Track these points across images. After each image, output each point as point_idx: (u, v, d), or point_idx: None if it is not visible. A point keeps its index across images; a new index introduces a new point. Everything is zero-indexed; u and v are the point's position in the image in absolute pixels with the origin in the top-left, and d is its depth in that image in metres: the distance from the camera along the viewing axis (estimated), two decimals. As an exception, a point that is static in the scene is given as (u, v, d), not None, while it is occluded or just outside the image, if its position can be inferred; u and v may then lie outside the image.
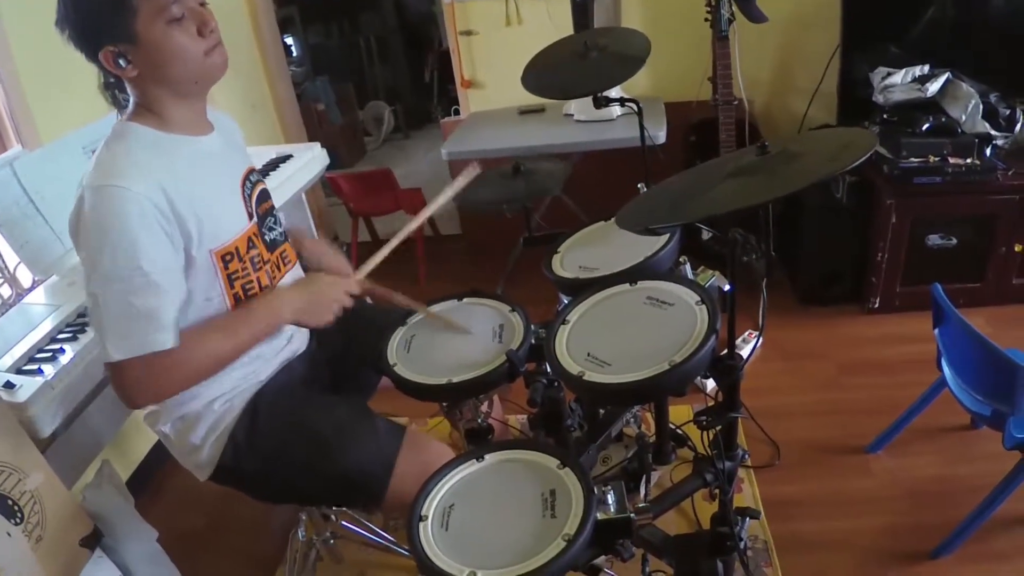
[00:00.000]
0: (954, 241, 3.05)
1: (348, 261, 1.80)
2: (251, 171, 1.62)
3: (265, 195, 1.65)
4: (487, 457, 1.29)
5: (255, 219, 1.56)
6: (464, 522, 1.19)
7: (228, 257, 1.46)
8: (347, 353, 1.80)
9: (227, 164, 1.55)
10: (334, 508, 2.11)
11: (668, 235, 1.53)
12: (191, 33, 1.35)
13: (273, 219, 1.66)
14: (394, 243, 1.66)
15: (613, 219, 1.71)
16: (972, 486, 2.20)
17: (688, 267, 1.57)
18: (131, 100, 1.42)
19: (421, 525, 1.19)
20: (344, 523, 2.17)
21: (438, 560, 1.12)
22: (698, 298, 1.29)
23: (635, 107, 2.00)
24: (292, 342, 1.71)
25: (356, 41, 7.11)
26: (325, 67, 6.72)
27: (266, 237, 1.60)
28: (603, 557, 1.23)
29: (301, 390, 1.65)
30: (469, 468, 1.29)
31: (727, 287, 1.40)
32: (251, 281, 1.53)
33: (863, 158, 0.95)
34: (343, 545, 2.25)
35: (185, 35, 1.34)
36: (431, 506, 1.23)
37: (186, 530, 2.46)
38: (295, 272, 1.71)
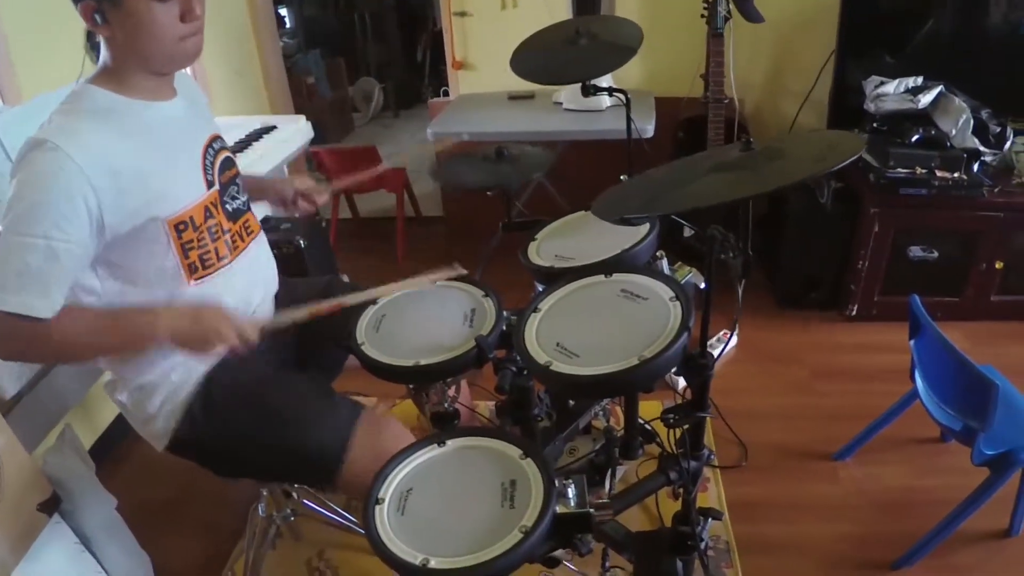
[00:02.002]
0: (936, 254, 3.05)
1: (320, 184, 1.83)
2: (214, 138, 1.59)
3: (229, 163, 1.62)
4: (449, 443, 1.27)
5: (216, 187, 1.53)
6: (421, 507, 1.16)
7: (182, 226, 1.43)
8: (312, 329, 1.77)
9: (187, 130, 1.51)
10: (295, 485, 2.08)
11: (647, 229, 1.50)
12: (173, 15, 1.32)
13: (236, 188, 1.62)
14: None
15: (593, 209, 1.69)
16: (937, 499, 2.20)
17: (665, 262, 1.54)
18: (100, 59, 1.40)
19: (377, 508, 1.17)
20: (305, 501, 2.15)
21: (392, 544, 1.10)
22: (673, 294, 1.26)
23: (623, 98, 1.97)
24: (256, 314, 1.67)
25: (351, 17, 7.02)
26: (318, 40, 6.65)
27: (228, 206, 1.57)
28: (562, 550, 1.21)
29: (261, 364, 1.62)
30: (430, 453, 1.26)
31: (703, 285, 1.38)
32: (208, 252, 1.49)
33: (848, 161, 0.93)
34: (303, 523, 2.24)
35: (166, 15, 1.31)
36: (388, 489, 1.20)
37: (147, 500, 2.43)
38: (258, 242, 1.68)
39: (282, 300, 1.78)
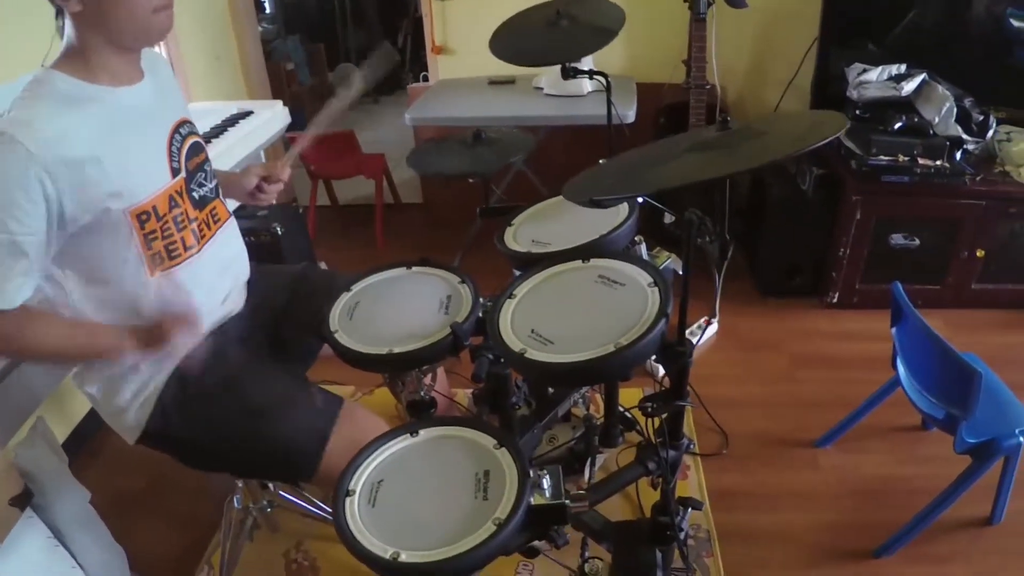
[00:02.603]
0: (917, 242, 3.05)
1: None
2: (183, 123, 1.54)
3: (197, 148, 1.57)
4: (422, 432, 1.24)
5: (182, 174, 1.49)
6: (392, 499, 1.13)
7: (144, 216, 1.38)
8: (286, 317, 1.73)
9: (153, 116, 1.46)
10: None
11: (626, 213, 1.47)
12: None
13: (204, 174, 1.58)
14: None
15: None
16: (919, 487, 2.20)
17: (644, 247, 1.51)
18: (64, 41, 1.35)
19: (348, 500, 1.14)
20: (282, 492, 2.12)
21: (362, 537, 1.07)
22: (651, 280, 1.23)
23: (603, 81, 1.94)
24: (227, 302, 1.63)
25: (331, 2, 6.94)
26: (297, 26, 6.56)
27: (194, 194, 1.52)
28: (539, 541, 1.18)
29: (234, 355, 1.58)
30: (402, 443, 1.23)
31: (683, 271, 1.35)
32: (174, 241, 1.45)
33: (830, 139, 0.90)
34: (281, 514, 2.20)
35: None
36: (359, 481, 1.17)
37: (123, 492, 2.39)
38: (227, 230, 1.65)
39: (255, 288, 1.74)
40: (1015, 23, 3.16)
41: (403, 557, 1.02)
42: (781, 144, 0.93)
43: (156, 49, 1.62)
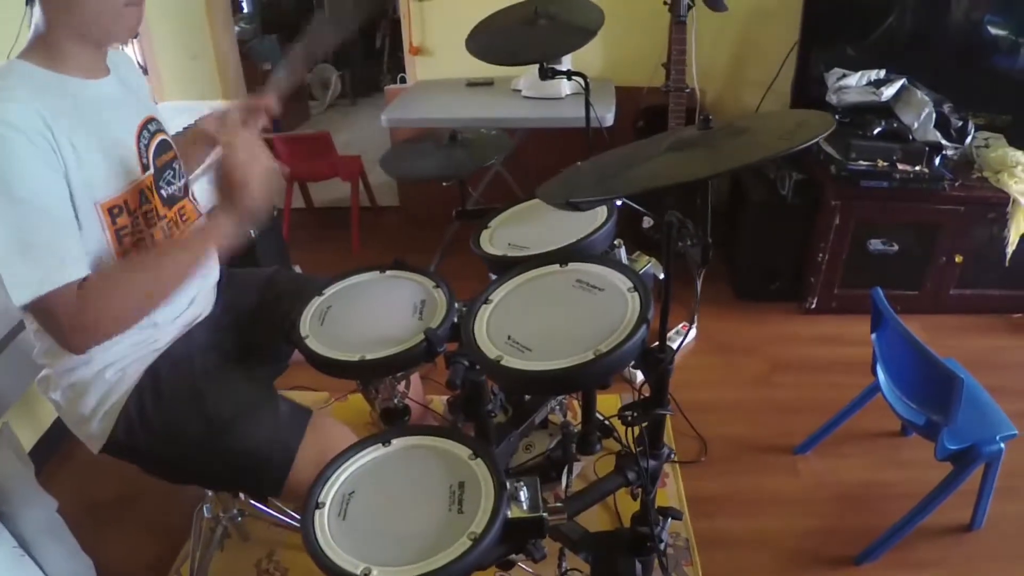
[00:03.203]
0: (895, 247, 3.05)
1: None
2: (149, 120, 1.50)
3: (165, 146, 1.54)
4: (395, 442, 1.19)
5: (151, 171, 1.45)
6: (363, 512, 1.08)
7: (116, 211, 1.35)
8: (256, 321, 1.68)
9: (121, 111, 1.43)
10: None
11: (604, 216, 1.44)
12: None
13: (173, 172, 1.54)
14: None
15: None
16: (899, 493, 2.20)
17: (623, 251, 1.48)
18: (32, 30, 1.31)
19: (317, 513, 1.09)
20: (253, 502, 2.07)
21: (331, 552, 1.02)
22: (631, 284, 1.20)
23: (582, 82, 1.91)
24: (194, 305, 1.58)
25: (309, 2, 6.88)
26: (275, 26, 6.49)
27: (163, 191, 1.48)
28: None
29: (201, 362, 1.53)
30: (374, 453, 1.18)
31: (663, 275, 1.32)
32: (144, 239, 1.42)
33: (818, 138, 0.87)
34: (252, 523, 2.16)
35: None
36: (329, 493, 1.12)
37: (92, 501, 2.33)
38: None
39: (223, 291, 1.69)
40: (992, 30, 3.18)
41: (375, 573, 0.97)
42: (766, 143, 0.90)
43: (125, 49, 1.57)
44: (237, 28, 5.11)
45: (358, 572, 0.98)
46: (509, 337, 1.17)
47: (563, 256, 1.33)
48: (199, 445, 1.44)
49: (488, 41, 1.90)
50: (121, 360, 1.45)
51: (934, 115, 2.93)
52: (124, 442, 1.46)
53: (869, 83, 3.08)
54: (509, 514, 1.05)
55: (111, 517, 2.30)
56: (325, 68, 6.78)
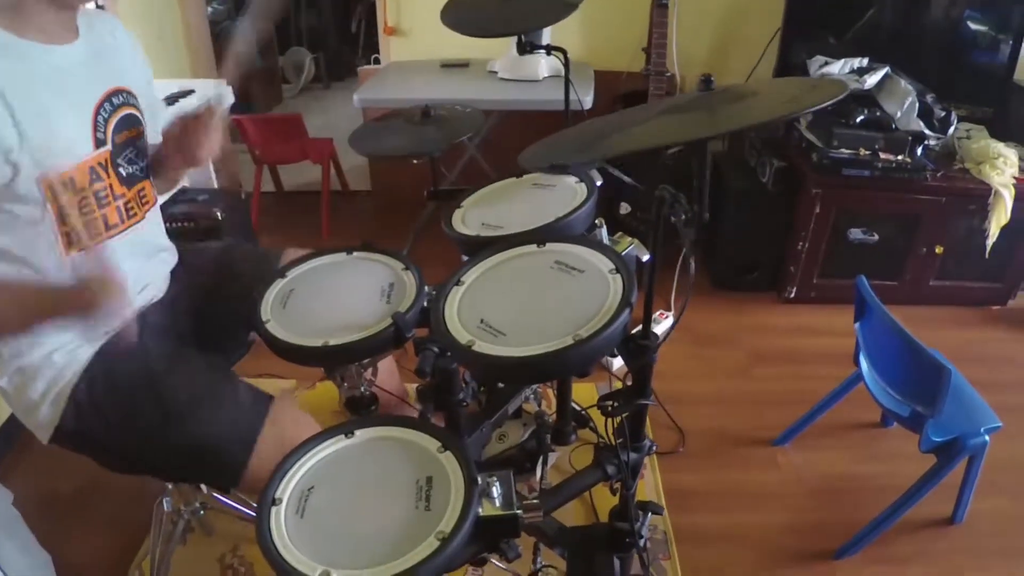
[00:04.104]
0: (876, 237, 3.02)
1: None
2: (117, 92, 1.40)
3: (131, 121, 1.43)
4: (358, 433, 1.11)
5: (108, 147, 1.35)
6: (323, 509, 1.00)
7: (59, 188, 1.26)
8: (214, 304, 1.59)
9: (82, 80, 1.33)
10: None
11: (585, 194, 1.36)
12: None
13: (135, 151, 1.44)
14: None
15: (524, 176, 1.54)
16: (879, 485, 2.17)
17: (604, 231, 1.40)
18: None
19: (273, 510, 1.01)
20: (216, 495, 2.00)
21: (287, 553, 0.94)
22: (613, 266, 1.12)
23: (561, 57, 1.83)
24: (147, 291, 1.49)
25: (282, -18, 6.74)
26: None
27: (121, 170, 1.39)
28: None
29: (155, 346, 1.44)
30: (335, 445, 1.10)
31: (646, 257, 1.25)
32: (95, 219, 1.33)
33: (829, 103, 0.80)
34: (215, 517, 2.07)
35: None
36: (287, 488, 1.04)
37: (51, 493, 2.24)
38: (155, 211, 1.52)
39: (179, 274, 1.60)
40: (972, 25, 3.16)
41: (333, 576, 0.90)
42: (771, 107, 0.83)
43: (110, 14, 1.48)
44: (210, 9, 4.99)
45: (316, 575, 0.90)
46: (482, 321, 1.08)
47: (540, 236, 1.25)
48: (151, 434, 1.36)
49: (464, 13, 1.82)
50: (70, 343, 1.37)
51: (917, 104, 2.90)
52: (74, 430, 1.37)
53: (852, 71, 3.04)
54: (480, 512, 0.98)
55: (70, 511, 2.21)
56: (299, 51, 6.65)
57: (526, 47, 1.77)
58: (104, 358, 1.39)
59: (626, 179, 0.93)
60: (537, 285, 1.16)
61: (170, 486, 1.88)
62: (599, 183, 1.45)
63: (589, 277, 1.13)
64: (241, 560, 2.04)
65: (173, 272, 1.60)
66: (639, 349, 1.10)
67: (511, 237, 1.29)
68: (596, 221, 1.35)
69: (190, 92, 2.86)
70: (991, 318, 3.14)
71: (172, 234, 1.66)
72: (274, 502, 1.02)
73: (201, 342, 1.57)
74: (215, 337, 1.60)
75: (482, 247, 1.27)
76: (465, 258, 1.28)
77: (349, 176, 4.26)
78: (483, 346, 1.03)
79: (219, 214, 2.79)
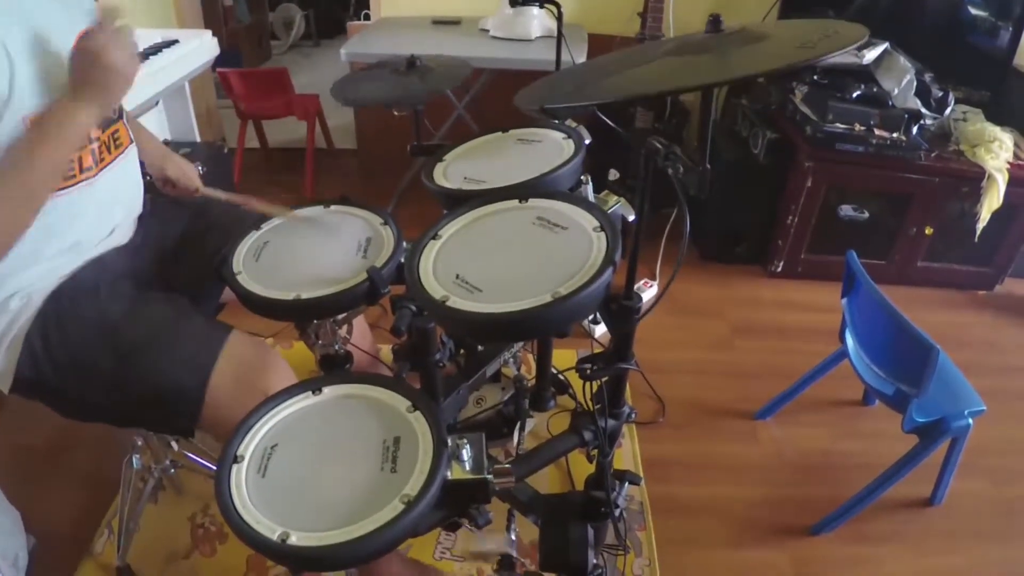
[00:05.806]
0: (866, 215, 2.98)
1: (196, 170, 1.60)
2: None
3: None
4: (326, 390, 1.07)
5: None
6: (285, 468, 0.96)
7: None
8: (181, 253, 1.53)
9: (64, 15, 1.28)
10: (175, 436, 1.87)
11: (572, 150, 1.31)
12: None
13: None
14: (253, 203, 1.47)
15: (510, 131, 1.49)
16: (858, 463, 2.15)
17: (590, 188, 1.35)
18: None
19: (234, 468, 0.97)
20: (188, 453, 1.95)
21: (247, 514, 0.90)
22: (597, 224, 1.07)
23: (555, 9, 1.76)
24: (114, 235, 1.43)
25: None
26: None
27: None
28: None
29: (111, 288, 1.37)
30: (302, 402, 1.06)
31: (632, 217, 1.20)
32: (71, 160, 1.27)
33: (844, 50, 0.74)
34: (186, 475, 2.03)
35: None
36: (250, 445, 1.00)
37: (21, 449, 2.18)
38: (128, 156, 1.45)
39: (147, 218, 1.54)
40: (972, 10, 3.11)
41: (292, 539, 0.85)
42: (785, 52, 0.77)
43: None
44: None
45: (274, 537, 0.86)
46: (458, 276, 1.04)
47: (523, 191, 1.20)
48: (106, 376, 1.28)
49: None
50: (27, 287, 1.31)
51: (915, 83, 2.86)
52: (31, 378, 1.31)
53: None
54: (449, 475, 0.94)
55: (40, 467, 2.15)
56: (289, 7, 6.50)
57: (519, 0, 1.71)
58: (58, 302, 1.32)
59: (615, 126, 0.88)
60: (517, 241, 1.11)
61: (139, 442, 1.83)
62: (588, 141, 1.40)
63: (572, 234, 1.08)
64: (212, 520, 1.99)
65: (141, 218, 1.54)
66: (622, 310, 1.06)
67: (492, 192, 1.24)
68: (583, 177, 1.30)
69: (174, 42, 2.76)
70: (978, 303, 3.12)
71: (151, 186, 1.60)
72: (236, 459, 0.98)
73: (168, 295, 1.51)
74: (187, 289, 1.53)
75: (462, 201, 1.22)
76: (445, 212, 1.23)
77: (335, 135, 4.17)
78: (458, 302, 0.98)
79: (200, 167, 2.71)
